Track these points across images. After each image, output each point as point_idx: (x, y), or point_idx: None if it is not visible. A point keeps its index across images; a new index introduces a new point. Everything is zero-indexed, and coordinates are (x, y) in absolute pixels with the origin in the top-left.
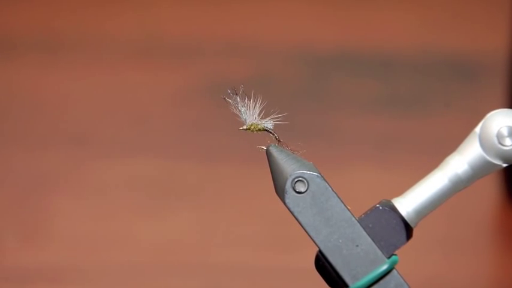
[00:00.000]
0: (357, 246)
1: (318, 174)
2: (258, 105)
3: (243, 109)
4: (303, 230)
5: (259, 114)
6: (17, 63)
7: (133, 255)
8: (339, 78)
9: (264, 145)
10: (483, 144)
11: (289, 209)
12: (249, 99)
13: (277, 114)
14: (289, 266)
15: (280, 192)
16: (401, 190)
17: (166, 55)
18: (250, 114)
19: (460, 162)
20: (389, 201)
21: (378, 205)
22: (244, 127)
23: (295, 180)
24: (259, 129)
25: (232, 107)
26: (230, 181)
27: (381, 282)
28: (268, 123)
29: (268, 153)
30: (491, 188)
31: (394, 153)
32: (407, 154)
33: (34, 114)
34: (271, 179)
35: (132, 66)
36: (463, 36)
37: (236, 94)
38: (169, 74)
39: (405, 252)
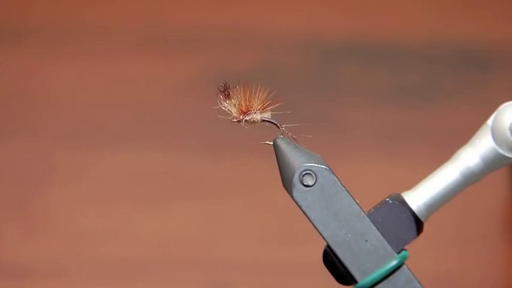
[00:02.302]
0: (366, 241)
1: (326, 167)
2: (259, 96)
3: (235, 102)
4: (311, 224)
5: (261, 107)
6: (20, 54)
7: (137, 249)
8: (347, 68)
9: (268, 140)
10: (495, 137)
11: (296, 202)
12: (250, 90)
13: (275, 106)
14: (296, 261)
15: (287, 185)
16: (410, 182)
17: (171, 45)
18: (253, 108)
19: (472, 155)
20: (399, 195)
21: (387, 199)
22: (237, 118)
23: (303, 173)
24: (255, 121)
25: (225, 104)
26: (236, 173)
27: (391, 277)
28: (267, 114)
29: (275, 146)
30: (501, 184)
31: (403, 145)
32: (416, 145)
33: (36, 105)
34: (277, 172)
35: (137, 57)
36: (473, 26)
37: (227, 89)
38: (174, 64)
39: (417, 248)
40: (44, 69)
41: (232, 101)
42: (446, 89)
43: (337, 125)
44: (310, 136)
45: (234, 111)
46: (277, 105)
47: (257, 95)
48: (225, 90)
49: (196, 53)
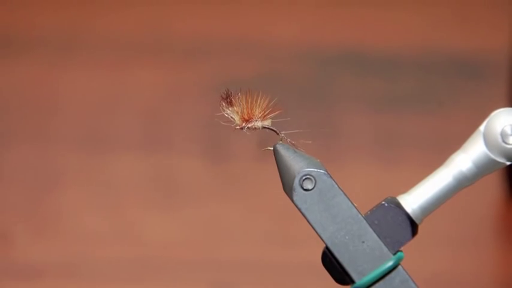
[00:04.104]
0: (363, 242)
1: (325, 172)
2: (260, 104)
3: (237, 109)
4: (310, 227)
5: (263, 115)
6: (31, 62)
7: (143, 250)
8: (344, 76)
9: (269, 146)
10: (487, 142)
11: (296, 206)
12: (252, 98)
13: (275, 114)
14: (297, 261)
15: (288, 189)
16: (406, 187)
17: (176, 54)
18: (255, 113)
19: (464, 160)
20: (395, 198)
21: (383, 202)
22: (240, 126)
23: (303, 177)
24: (256, 128)
25: (228, 112)
26: (238, 178)
27: (387, 278)
28: (267, 122)
29: (275, 152)
30: (494, 186)
31: (398, 151)
32: (411, 151)
33: (46, 112)
34: (277, 175)
35: (144, 66)
36: (466, 35)
37: (229, 96)
38: (179, 72)
39: (411, 249)
40: (54, 78)
41: (235, 108)
42: (439, 96)
43: (335, 132)
44: (310, 142)
45: (236, 118)
46: (277, 112)
47: (258, 102)
48: (227, 97)
49: (200, 62)
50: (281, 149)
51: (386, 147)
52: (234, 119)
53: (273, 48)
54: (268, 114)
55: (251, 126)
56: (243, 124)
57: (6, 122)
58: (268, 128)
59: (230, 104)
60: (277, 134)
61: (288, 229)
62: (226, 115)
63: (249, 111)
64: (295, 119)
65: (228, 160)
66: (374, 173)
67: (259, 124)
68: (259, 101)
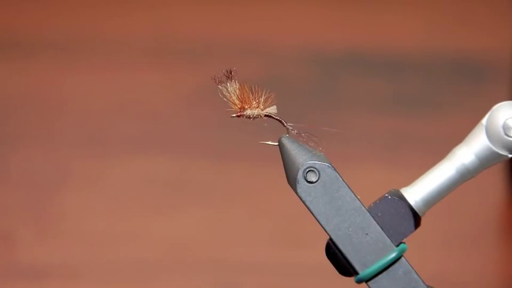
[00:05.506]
0: (367, 234)
1: (329, 165)
2: (261, 95)
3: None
4: (315, 224)
5: (263, 104)
6: (37, 65)
7: (148, 251)
8: (348, 78)
9: (270, 141)
10: (489, 135)
11: (300, 198)
12: (253, 89)
13: (276, 115)
14: (302, 261)
15: (292, 182)
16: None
17: (179, 56)
18: (253, 102)
19: (467, 152)
20: (398, 191)
21: (386, 194)
22: (237, 113)
23: (307, 170)
24: (258, 116)
25: (230, 94)
26: (243, 179)
27: (390, 269)
28: (272, 109)
29: (280, 144)
30: (496, 186)
31: (403, 152)
32: (413, 153)
33: (50, 113)
34: (282, 176)
35: (148, 68)
36: (468, 37)
37: (229, 79)
38: (183, 74)
39: (412, 249)
40: (59, 80)
41: (233, 88)
42: (442, 98)
43: (338, 133)
44: (305, 134)
45: (236, 103)
46: (273, 106)
47: (259, 94)
48: (229, 73)
49: (204, 63)
50: (286, 141)
51: (389, 148)
52: (234, 103)
53: (276, 50)
54: (268, 103)
55: (251, 114)
56: (240, 111)
57: (12, 123)
58: (274, 118)
59: (230, 78)
60: (284, 125)
61: (293, 229)
62: (225, 99)
63: (248, 98)
64: (297, 122)
65: (234, 162)
66: (378, 174)
67: (260, 112)
68: (260, 92)
